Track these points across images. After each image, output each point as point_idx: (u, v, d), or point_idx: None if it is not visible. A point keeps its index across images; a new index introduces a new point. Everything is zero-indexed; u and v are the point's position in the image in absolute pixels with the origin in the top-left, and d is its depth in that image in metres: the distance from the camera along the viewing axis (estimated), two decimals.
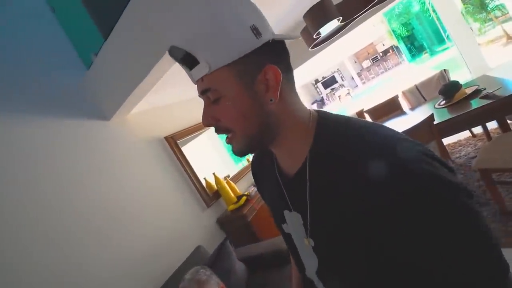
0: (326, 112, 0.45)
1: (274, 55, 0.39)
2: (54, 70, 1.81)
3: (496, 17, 6.83)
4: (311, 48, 2.40)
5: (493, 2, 6.77)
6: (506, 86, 1.80)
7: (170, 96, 2.48)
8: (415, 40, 12.89)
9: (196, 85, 0.41)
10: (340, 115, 0.44)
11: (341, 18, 1.91)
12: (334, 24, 2.02)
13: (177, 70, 1.85)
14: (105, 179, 1.73)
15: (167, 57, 1.41)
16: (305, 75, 11.58)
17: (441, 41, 9.87)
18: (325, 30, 2.08)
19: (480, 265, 0.31)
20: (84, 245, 1.48)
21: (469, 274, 0.32)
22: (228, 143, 0.43)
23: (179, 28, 0.39)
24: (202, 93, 0.40)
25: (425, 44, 11.58)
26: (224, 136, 0.43)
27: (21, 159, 1.44)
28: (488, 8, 6.84)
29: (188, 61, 0.38)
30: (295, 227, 0.47)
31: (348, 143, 0.38)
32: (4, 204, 1.30)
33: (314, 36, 2.01)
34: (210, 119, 0.41)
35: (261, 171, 0.58)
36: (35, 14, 1.91)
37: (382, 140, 0.36)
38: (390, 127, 0.39)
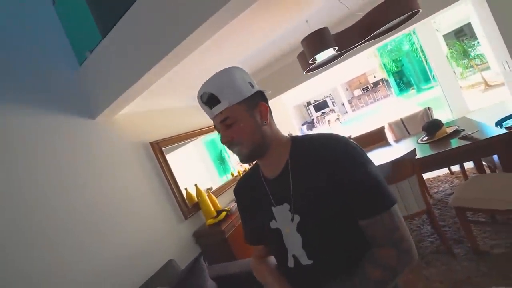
0: (296, 135, 0.72)
1: (262, 97, 0.68)
2: (47, 63, 1.76)
3: (476, 65, 7.38)
4: (305, 72, 2.48)
5: (474, 51, 7.33)
6: (482, 130, 1.90)
7: (161, 102, 2.45)
8: (403, 76, 13.62)
9: (206, 115, 0.68)
10: (305, 135, 0.71)
11: (336, 48, 2.00)
12: (329, 52, 2.11)
13: (171, 78, 1.84)
14: (84, 178, 1.65)
15: (163, 63, 1.41)
16: (298, 96, 11.86)
17: (427, 79, 10.49)
18: (321, 57, 2.16)
19: (376, 191, 0.58)
20: (54, 245, 1.40)
21: (370, 197, 0.58)
22: (238, 155, 0.66)
23: (210, 82, 0.63)
24: (222, 121, 0.63)
25: (412, 80, 12.24)
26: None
27: (3, 150, 1.37)
28: (469, 55, 7.39)
29: (212, 100, 0.63)
30: (283, 216, 0.65)
31: (311, 146, 0.65)
32: None
33: (309, 61, 2.08)
34: (228, 138, 0.64)
35: (247, 187, 0.77)
36: (34, 5, 1.88)
37: (327, 137, 0.66)
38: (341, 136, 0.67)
